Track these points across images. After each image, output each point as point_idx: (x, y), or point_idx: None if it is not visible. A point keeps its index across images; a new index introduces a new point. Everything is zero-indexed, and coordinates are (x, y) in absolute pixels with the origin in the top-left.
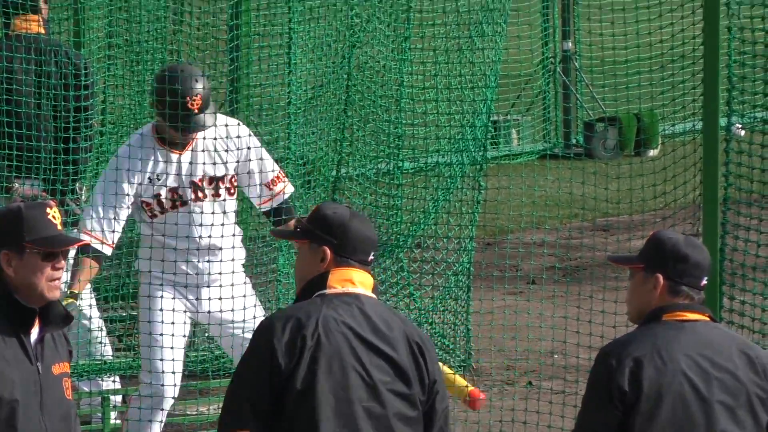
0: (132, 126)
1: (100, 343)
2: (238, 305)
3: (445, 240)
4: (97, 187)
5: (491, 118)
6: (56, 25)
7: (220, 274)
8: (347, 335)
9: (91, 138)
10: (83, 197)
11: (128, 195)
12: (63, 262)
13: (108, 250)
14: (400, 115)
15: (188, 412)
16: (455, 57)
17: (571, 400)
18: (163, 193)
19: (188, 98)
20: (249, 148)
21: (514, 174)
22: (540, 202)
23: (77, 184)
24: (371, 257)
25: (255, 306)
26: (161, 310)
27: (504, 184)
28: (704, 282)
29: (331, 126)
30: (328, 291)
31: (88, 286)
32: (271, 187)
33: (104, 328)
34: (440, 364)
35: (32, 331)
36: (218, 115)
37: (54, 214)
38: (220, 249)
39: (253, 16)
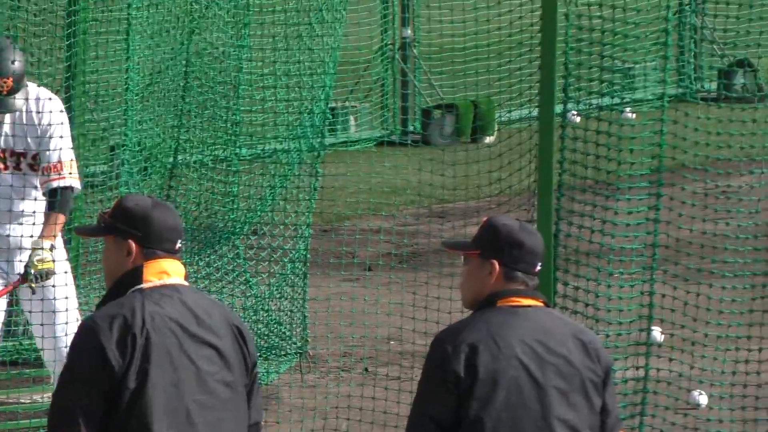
0: None
1: None
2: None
3: (281, 227)
4: None
5: (329, 105)
6: None
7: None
8: (174, 330)
9: None
10: None
11: None
12: None
13: None
14: (239, 102)
15: (22, 400)
16: (294, 43)
17: (407, 386)
18: None
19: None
20: (50, 124)
21: (352, 161)
22: (377, 189)
23: None
24: (179, 245)
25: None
26: None
27: (341, 171)
28: (538, 268)
29: (169, 113)
30: (145, 285)
31: None
32: (47, 172)
33: None
34: None
35: None
36: (32, 87)
37: None
38: (30, 225)
39: (91, 1)
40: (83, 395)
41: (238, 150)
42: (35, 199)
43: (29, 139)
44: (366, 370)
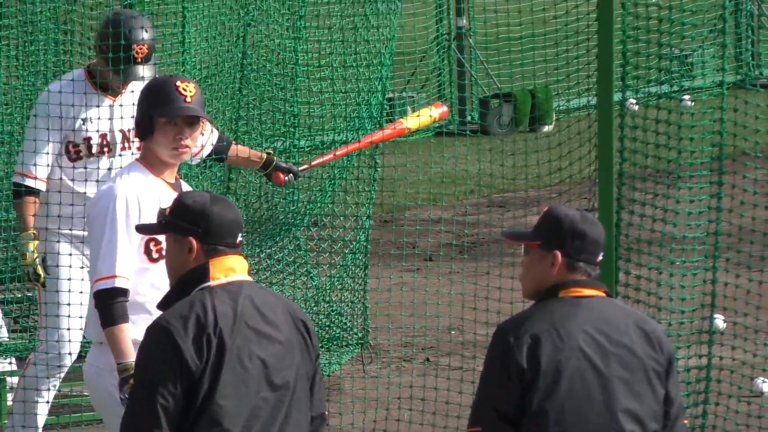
0: (26, 107)
1: None
2: None
3: (342, 218)
4: (28, 127)
5: (386, 96)
6: None
7: None
8: (243, 328)
9: None
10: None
11: (57, 135)
12: None
13: (42, 186)
14: (296, 94)
15: (86, 393)
16: (350, 35)
17: (469, 376)
18: (94, 137)
19: (135, 46)
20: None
21: (411, 151)
22: (436, 179)
23: None
24: (239, 239)
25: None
26: (69, 279)
27: (400, 161)
28: (600, 258)
29: (227, 105)
30: (212, 283)
31: None
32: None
33: (0, 310)
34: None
35: None
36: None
37: None
38: None
39: None
40: (162, 395)
41: (296, 142)
42: None
43: None
44: (427, 360)
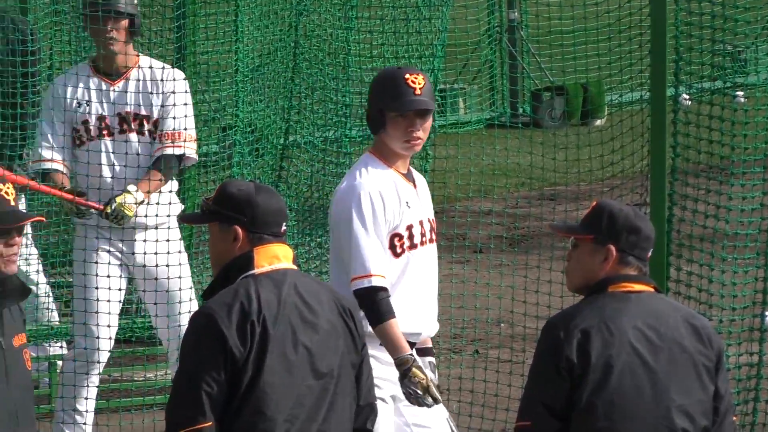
0: None
1: (48, 308)
2: (173, 261)
3: None
4: (41, 116)
5: (438, 87)
6: None
7: (146, 216)
8: (288, 316)
9: (37, 104)
10: (30, 163)
11: (63, 122)
12: (17, 238)
13: (59, 166)
14: (347, 84)
15: (135, 378)
16: (402, 26)
17: (518, 369)
18: (92, 120)
19: None
20: (172, 92)
21: (462, 143)
22: (487, 171)
23: (24, 151)
24: (283, 228)
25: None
26: (96, 275)
27: (451, 153)
28: (650, 253)
29: (279, 94)
30: (257, 271)
31: (35, 251)
32: (163, 138)
33: (51, 294)
34: None
35: None
36: (144, 58)
37: (7, 190)
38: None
39: None
40: (207, 382)
41: (348, 131)
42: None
43: (152, 103)
44: (477, 352)
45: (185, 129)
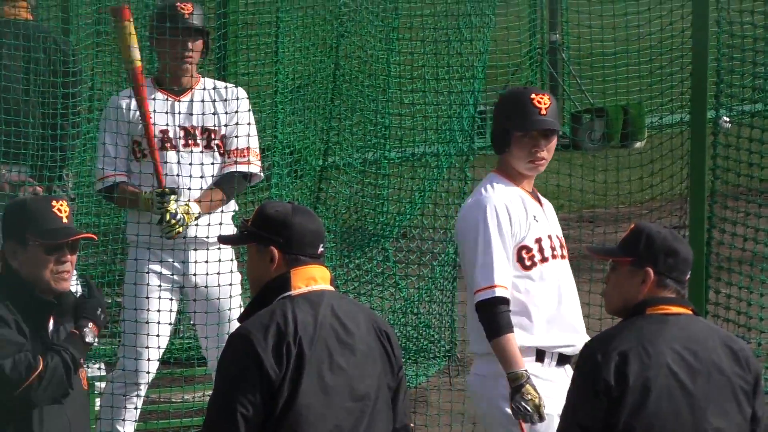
0: None
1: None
2: (225, 281)
3: (431, 230)
4: (99, 130)
5: (478, 109)
6: (44, 12)
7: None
8: (325, 337)
9: (78, 125)
10: (70, 184)
11: (124, 136)
12: (68, 255)
13: (123, 178)
14: (387, 105)
15: (173, 399)
16: (443, 47)
17: None
18: (156, 132)
19: (178, 5)
20: (237, 111)
21: None
22: None
23: (64, 171)
24: (321, 249)
25: (238, 296)
26: (147, 297)
27: None
28: (688, 276)
29: (318, 115)
30: (294, 292)
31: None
32: (231, 156)
33: None
34: None
35: (48, 323)
36: (208, 80)
37: (60, 207)
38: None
39: (241, 3)
40: (242, 404)
41: (387, 153)
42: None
43: (219, 118)
44: None
45: (252, 147)
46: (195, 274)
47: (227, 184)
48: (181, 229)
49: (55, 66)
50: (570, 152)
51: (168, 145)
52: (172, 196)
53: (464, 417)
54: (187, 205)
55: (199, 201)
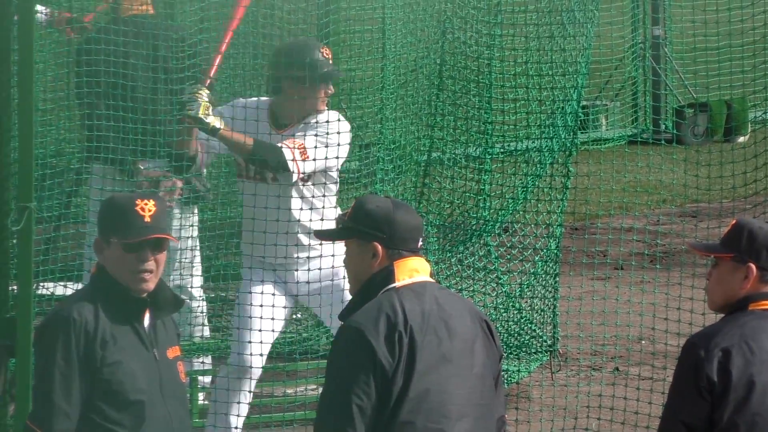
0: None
1: (203, 325)
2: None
3: (533, 225)
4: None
5: (581, 104)
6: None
7: (308, 257)
8: (433, 326)
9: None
10: (205, 174)
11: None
12: (150, 255)
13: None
14: (491, 101)
15: (275, 394)
16: (546, 43)
17: (659, 387)
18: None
19: (322, 51)
20: (328, 133)
21: (603, 160)
22: (629, 188)
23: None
24: (420, 243)
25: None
26: (262, 293)
27: (593, 169)
28: None
29: (423, 110)
30: (398, 284)
31: (199, 268)
32: (293, 143)
33: (205, 309)
34: None
35: (144, 317)
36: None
37: (144, 205)
38: (307, 233)
39: None
40: (357, 394)
41: (490, 148)
42: (311, 209)
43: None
44: (617, 369)
45: (315, 159)
46: (307, 282)
47: (263, 143)
48: (191, 113)
49: (179, 59)
50: (673, 147)
51: (258, 177)
52: (208, 93)
53: (566, 412)
54: (211, 105)
55: (228, 129)
